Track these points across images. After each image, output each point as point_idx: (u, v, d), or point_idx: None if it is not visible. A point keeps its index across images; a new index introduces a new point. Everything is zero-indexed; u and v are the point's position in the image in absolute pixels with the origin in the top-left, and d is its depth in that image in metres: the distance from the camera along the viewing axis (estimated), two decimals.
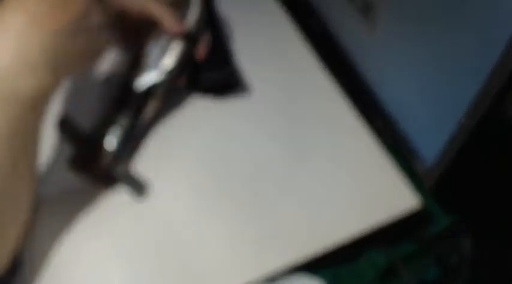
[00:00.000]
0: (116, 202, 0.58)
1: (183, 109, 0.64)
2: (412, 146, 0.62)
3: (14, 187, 0.49)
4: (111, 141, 0.57)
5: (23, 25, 0.48)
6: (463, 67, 0.51)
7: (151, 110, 0.61)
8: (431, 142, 0.59)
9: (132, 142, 0.60)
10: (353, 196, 0.59)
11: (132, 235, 0.56)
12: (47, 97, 0.50)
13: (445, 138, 0.56)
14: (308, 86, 0.66)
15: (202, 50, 0.61)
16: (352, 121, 0.64)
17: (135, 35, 0.61)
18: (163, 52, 0.60)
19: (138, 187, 0.58)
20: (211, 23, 0.66)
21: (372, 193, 0.60)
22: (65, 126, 0.58)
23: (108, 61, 0.64)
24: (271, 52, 0.68)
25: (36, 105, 0.49)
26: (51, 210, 0.57)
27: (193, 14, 0.62)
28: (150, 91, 0.59)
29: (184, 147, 0.61)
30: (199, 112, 0.64)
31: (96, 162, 0.57)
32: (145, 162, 0.60)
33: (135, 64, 0.60)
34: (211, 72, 0.64)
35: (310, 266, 0.56)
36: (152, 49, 0.60)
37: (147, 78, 0.59)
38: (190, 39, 0.61)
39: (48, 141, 0.60)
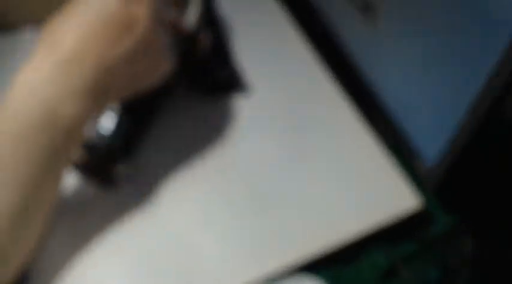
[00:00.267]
0: (118, 206, 0.58)
1: (183, 110, 0.64)
2: (413, 146, 0.62)
3: (37, 208, 0.49)
4: (110, 141, 0.57)
5: (71, 52, 0.47)
6: (463, 67, 0.51)
7: (151, 109, 0.61)
8: (432, 143, 0.58)
9: (131, 142, 0.60)
10: (354, 196, 0.59)
11: (133, 238, 0.56)
12: (83, 125, 0.49)
13: (446, 138, 0.56)
14: (309, 86, 0.66)
15: (201, 49, 0.61)
16: (353, 121, 0.64)
17: None
18: None
19: (138, 188, 0.58)
20: (211, 22, 0.66)
21: (373, 193, 0.59)
22: None
23: None
24: (271, 52, 0.68)
25: (71, 134, 0.48)
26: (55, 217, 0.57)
27: (193, 14, 0.62)
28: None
29: (184, 148, 0.61)
30: (199, 113, 0.64)
31: (98, 164, 0.57)
32: (144, 162, 0.60)
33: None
34: (211, 72, 0.64)
35: (310, 266, 0.56)
36: None
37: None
38: (190, 39, 0.60)
39: None
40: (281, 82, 0.66)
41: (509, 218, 0.60)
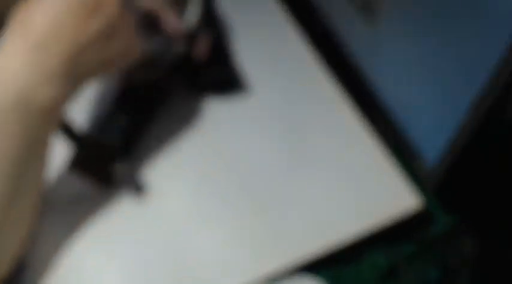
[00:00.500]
0: (116, 203, 0.58)
1: (182, 110, 0.64)
2: (413, 147, 0.61)
3: (22, 194, 0.49)
4: (111, 142, 0.57)
5: (43, 35, 0.47)
6: (463, 67, 0.51)
7: (150, 110, 0.61)
8: (432, 143, 0.58)
9: (131, 142, 0.60)
10: (354, 196, 0.59)
11: (130, 235, 0.56)
12: (61, 107, 0.50)
13: (446, 138, 0.56)
14: (308, 86, 0.66)
15: (201, 49, 0.61)
16: (353, 121, 0.64)
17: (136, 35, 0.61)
18: (162, 51, 0.60)
19: (137, 187, 0.58)
20: (211, 22, 0.65)
21: (373, 193, 0.59)
22: (65, 125, 0.58)
23: None
24: (271, 52, 0.68)
25: (50, 115, 0.49)
26: (53, 214, 0.57)
27: (192, 14, 0.61)
28: (150, 90, 0.59)
29: (183, 148, 0.61)
30: (198, 113, 0.64)
31: (96, 162, 0.57)
32: (145, 163, 0.60)
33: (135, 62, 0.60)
34: (211, 72, 0.64)
35: (311, 266, 0.56)
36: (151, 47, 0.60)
37: (146, 77, 0.59)
38: (189, 39, 0.60)
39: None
40: (281, 82, 0.66)
41: (509, 218, 0.60)
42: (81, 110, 0.61)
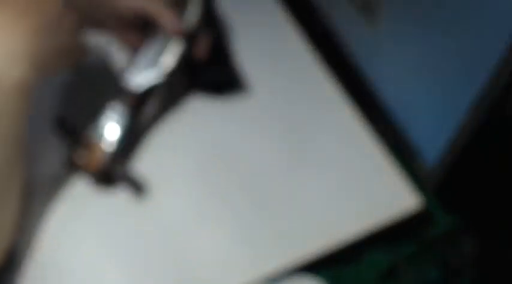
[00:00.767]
0: (115, 203, 0.58)
1: (182, 110, 0.64)
2: (413, 147, 0.62)
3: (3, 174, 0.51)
4: (109, 141, 0.57)
5: (6, 20, 0.51)
6: (464, 67, 0.51)
7: (150, 110, 0.61)
8: (432, 143, 0.58)
9: (130, 142, 0.60)
10: (354, 196, 0.59)
11: (130, 235, 0.56)
12: (28, 89, 0.52)
13: (446, 138, 0.56)
14: (308, 86, 0.66)
15: (202, 49, 0.61)
16: (353, 121, 0.64)
17: (136, 35, 0.61)
18: (161, 50, 0.60)
19: (137, 187, 0.58)
20: (211, 22, 0.65)
21: (374, 193, 0.59)
22: (64, 125, 0.58)
23: (108, 60, 0.64)
24: (271, 52, 0.68)
25: (19, 96, 0.51)
26: (53, 214, 0.57)
27: (192, 14, 0.61)
28: (150, 90, 0.59)
29: (183, 147, 0.61)
30: (198, 113, 0.64)
31: (94, 161, 0.57)
32: (143, 162, 0.60)
33: (134, 63, 0.60)
34: (211, 72, 0.64)
35: (311, 266, 0.56)
36: (150, 47, 0.60)
37: (146, 77, 0.59)
38: (189, 39, 0.60)
39: (48, 141, 0.60)
40: (281, 82, 0.66)
41: (509, 218, 0.60)
42: (79, 109, 0.61)
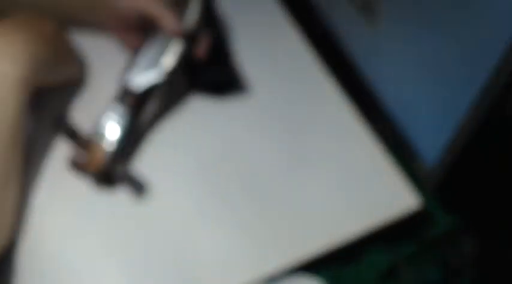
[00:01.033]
0: (116, 203, 0.58)
1: (182, 110, 0.64)
2: (413, 147, 0.62)
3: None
4: (110, 141, 0.57)
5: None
6: (463, 67, 0.51)
7: (150, 110, 0.61)
8: (432, 143, 0.58)
9: (130, 142, 0.60)
10: (354, 196, 0.59)
11: (130, 235, 0.56)
12: (28, 88, 0.53)
13: (447, 138, 0.56)
14: (308, 86, 0.66)
15: (202, 49, 0.61)
16: (353, 121, 0.64)
17: (136, 35, 0.61)
18: (162, 51, 0.60)
19: (137, 187, 0.58)
20: (211, 23, 0.65)
21: (373, 193, 0.59)
22: (64, 125, 0.58)
23: (108, 61, 0.64)
24: (271, 52, 0.68)
25: (19, 95, 0.52)
26: (53, 214, 0.57)
27: (192, 14, 0.61)
28: (150, 90, 0.59)
29: (183, 147, 0.61)
30: (198, 113, 0.64)
31: (94, 161, 0.57)
32: (144, 162, 0.60)
33: (134, 63, 0.60)
34: (211, 72, 0.64)
35: (310, 266, 0.56)
36: (150, 47, 0.60)
37: (146, 77, 0.59)
38: (189, 39, 0.60)
39: (48, 141, 0.60)
40: (281, 82, 0.66)
41: (509, 218, 0.60)
42: (80, 110, 0.61)
